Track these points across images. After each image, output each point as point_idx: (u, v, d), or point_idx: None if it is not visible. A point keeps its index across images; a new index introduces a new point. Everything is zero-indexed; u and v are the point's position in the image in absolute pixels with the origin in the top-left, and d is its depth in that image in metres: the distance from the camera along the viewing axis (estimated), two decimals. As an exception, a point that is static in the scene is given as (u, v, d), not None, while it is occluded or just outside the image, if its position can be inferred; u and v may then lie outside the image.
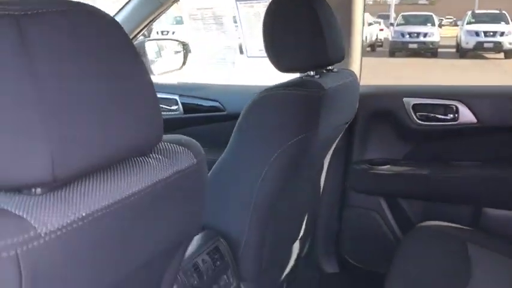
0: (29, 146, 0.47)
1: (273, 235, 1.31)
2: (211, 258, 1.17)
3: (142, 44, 2.08)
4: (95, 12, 0.56)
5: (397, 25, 15.29)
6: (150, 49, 2.10)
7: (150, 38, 2.17)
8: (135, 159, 0.62)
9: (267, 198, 1.22)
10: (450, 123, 1.61)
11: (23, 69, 0.46)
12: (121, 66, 0.58)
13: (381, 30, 17.56)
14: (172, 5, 1.89)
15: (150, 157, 0.64)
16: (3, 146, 0.47)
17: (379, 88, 1.78)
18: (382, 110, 1.70)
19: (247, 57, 1.93)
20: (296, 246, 1.58)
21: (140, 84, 0.61)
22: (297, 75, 1.35)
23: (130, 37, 1.96)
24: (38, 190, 0.49)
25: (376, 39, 16.61)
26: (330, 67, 1.36)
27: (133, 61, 0.60)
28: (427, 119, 1.64)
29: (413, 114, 1.64)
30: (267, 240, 1.29)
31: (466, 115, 1.59)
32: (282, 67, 1.24)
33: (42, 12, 0.49)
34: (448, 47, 14.95)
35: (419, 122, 1.64)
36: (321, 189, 1.67)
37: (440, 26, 17.63)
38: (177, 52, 2.12)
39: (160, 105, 2.03)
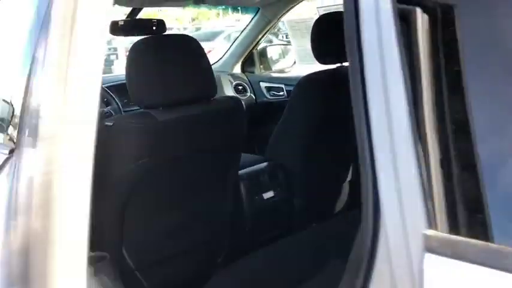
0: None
1: (318, 168, 2.03)
2: (269, 176, 1.98)
3: (265, 49, 2.98)
4: (183, 37, 1.45)
5: None
6: (271, 52, 2.98)
7: (271, 44, 3.05)
8: (202, 101, 1.48)
9: (304, 144, 1.97)
10: None
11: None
12: (192, 58, 1.45)
13: None
14: (278, 21, 2.74)
15: (210, 101, 1.50)
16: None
17: None
18: None
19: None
20: (346, 187, 2.27)
21: (202, 67, 1.47)
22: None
23: (253, 44, 2.87)
24: (160, 108, 1.40)
25: None
26: None
27: (201, 57, 1.47)
28: None
29: None
30: (312, 171, 2.02)
31: None
32: (321, 60, 1.96)
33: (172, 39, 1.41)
34: None
35: None
36: None
37: None
38: (287, 54, 2.96)
39: (272, 92, 3.19)
